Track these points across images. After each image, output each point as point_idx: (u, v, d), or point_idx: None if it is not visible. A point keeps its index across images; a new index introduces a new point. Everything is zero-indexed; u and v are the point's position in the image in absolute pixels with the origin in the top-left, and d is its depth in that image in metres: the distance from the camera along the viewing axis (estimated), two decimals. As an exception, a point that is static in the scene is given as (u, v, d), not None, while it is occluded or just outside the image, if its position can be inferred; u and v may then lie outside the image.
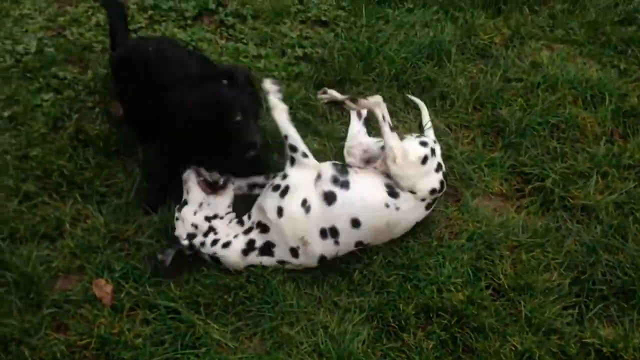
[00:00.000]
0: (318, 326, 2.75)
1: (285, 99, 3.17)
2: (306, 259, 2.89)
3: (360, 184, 2.94)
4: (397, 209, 2.92)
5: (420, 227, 3.10)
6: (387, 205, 2.91)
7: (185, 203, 3.00)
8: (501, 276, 2.91)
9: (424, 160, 2.99)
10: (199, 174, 3.03)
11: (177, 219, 2.99)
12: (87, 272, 2.90)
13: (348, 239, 2.89)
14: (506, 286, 2.88)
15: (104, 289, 2.84)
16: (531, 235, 3.08)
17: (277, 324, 2.76)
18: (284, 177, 2.96)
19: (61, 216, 3.08)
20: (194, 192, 3.00)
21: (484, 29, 4.19)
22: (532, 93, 3.77)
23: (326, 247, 2.88)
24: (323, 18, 4.34)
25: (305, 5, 4.42)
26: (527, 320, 2.77)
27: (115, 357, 2.63)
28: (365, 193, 2.91)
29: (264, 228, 2.91)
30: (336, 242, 2.88)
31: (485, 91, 3.76)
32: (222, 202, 3.03)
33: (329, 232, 2.86)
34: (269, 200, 2.92)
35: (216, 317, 2.78)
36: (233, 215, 3.05)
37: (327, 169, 2.99)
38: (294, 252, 2.87)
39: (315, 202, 2.87)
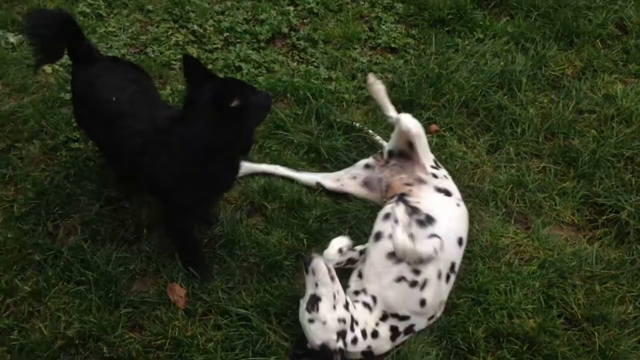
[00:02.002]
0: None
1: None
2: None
3: (431, 205, 2.95)
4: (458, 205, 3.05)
5: (488, 252, 3.10)
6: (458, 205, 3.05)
7: (318, 299, 2.62)
8: (574, 306, 2.88)
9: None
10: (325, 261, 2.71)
11: (311, 321, 2.61)
12: (162, 276, 2.99)
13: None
14: (579, 316, 2.84)
15: (178, 293, 2.92)
16: (605, 267, 3.04)
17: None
18: (417, 273, 2.72)
19: (139, 221, 3.19)
20: (325, 284, 2.65)
21: (555, 61, 4.19)
22: (606, 125, 3.74)
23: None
24: (393, 45, 4.42)
25: (376, 32, 4.50)
26: (601, 352, 2.73)
27: (188, 359, 2.69)
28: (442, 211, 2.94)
29: (402, 317, 2.73)
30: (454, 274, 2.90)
31: (557, 121, 3.76)
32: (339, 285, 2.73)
33: (451, 271, 2.86)
34: (409, 301, 2.72)
35: (286, 327, 2.82)
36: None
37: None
38: (431, 318, 2.81)
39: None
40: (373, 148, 3.59)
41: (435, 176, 3.16)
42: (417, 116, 3.72)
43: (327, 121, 3.74)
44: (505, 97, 3.95)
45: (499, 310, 2.85)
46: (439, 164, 3.32)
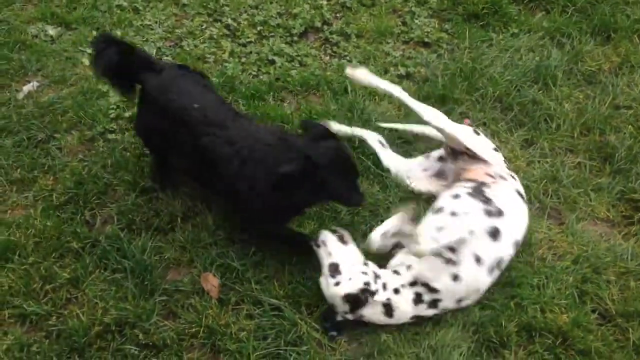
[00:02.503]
0: (420, 337, 2.76)
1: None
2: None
3: (505, 202, 2.96)
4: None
5: (521, 247, 3.07)
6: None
7: (337, 265, 2.80)
8: (608, 301, 2.85)
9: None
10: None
11: (337, 284, 2.75)
12: (196, 266, 3.04)
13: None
14: (613, 312, 2.82)
15: (211, 282, 2.97)
16: (640, 263, 3.00)
17: (377, 331, 2.79)
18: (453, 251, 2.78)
19: (174, 211, 3.24)
20: (338, 250, 2.84)
21: (591, 56, 4.14)
22: (642, 121, 3.69)
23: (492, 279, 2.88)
24: (426, 40, 4.40)
25: (409, 26, 4.49)
26: (635, 347, 2.71)
27: (222, 347, 2.73)
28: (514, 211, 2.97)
29: (432, 289, 2.78)
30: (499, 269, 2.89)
31: (593, 117, 3.71)
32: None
33: (496, 266, 2.85)
34: (442, 274, 2.77)
35: (317, 319, 2.84)
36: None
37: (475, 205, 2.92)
38: (460, 301, 2.83)
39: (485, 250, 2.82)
40: (408, 141, 3.59)
41: (514, 178, 3.14)
42: (450, 110, 3.76)
43: (363, 115, 3.75)
44: (540, 92, 3.91)
45: (531, 304, 2.83)
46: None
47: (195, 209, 3.27)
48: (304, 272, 3.01)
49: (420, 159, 3.42)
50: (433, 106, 3.77)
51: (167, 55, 4.21)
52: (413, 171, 3.36)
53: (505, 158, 3.51)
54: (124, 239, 3.08)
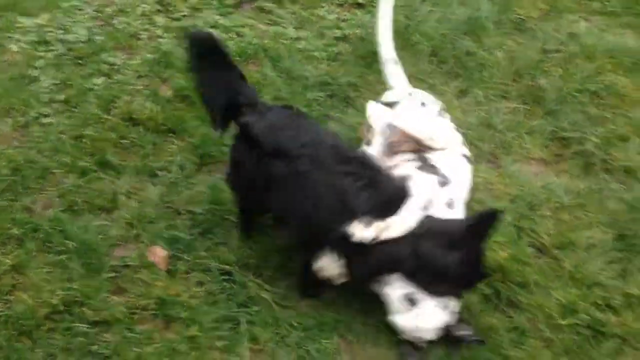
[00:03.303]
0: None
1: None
2: None
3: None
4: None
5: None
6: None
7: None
8: (544, 235, 2.96)
9: None
10: None
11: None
12: (143, 241, 3.03)
13: None
14: (549, 244, 2.93)
15: (158, 254, 2.97)
16: (573, 197, 3.12)
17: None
18: None
19: (116, 189, 3.22)
20: None
21: (520, 5, 4.24)
22: (571, 63, 3.81)
23: None
24: (360, 1, 4.44)
25: (342, -11, 4.51)
26: (570, 275, 2.81)
27: (174, 316, 2.74)
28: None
29: None
30: None
31: (524, 63, 3.82)
32: None
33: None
34: None
35: (266, 279, 2.87)
36: None
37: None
38: None
39: None
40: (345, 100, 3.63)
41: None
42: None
43: (300, 79, 3.77)
44: (473, 43, 3.99)
45: (472, 245, 2.91)
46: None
47: (139, 186, 3.26)
48: (251, 235, 3.03)
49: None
50: (370, 64, 3.87)
51: (98, 35, 4.14)
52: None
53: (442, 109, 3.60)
54: (66, 220, 3.05)
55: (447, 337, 2.63)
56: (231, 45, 4.05)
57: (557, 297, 2.74)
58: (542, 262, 2.88)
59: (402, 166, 2.86)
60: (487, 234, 2.48)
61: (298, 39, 4.18)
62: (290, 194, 2.56)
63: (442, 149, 2.89)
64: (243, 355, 2.60)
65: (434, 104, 3.09)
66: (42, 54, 4.01)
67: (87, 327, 2.68)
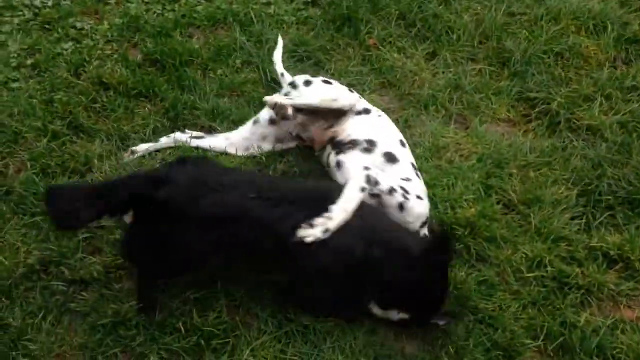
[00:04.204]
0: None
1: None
2: None
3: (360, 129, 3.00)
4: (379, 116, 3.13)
5: (430, 153, 3.23)
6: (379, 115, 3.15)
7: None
8: (511, 192, 3.06)
9: None
10: None
11: None
12: (117, 202, 3.04)
13: None
14: (516, 201, 3.03)
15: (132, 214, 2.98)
16: (539, 155, 3.23)
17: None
18: None
19: (88, 153, 3.21)
20: None
21: (487, -32, 4.27)
22: (536, 25, 3.89)
23: None
24: (329, -34, 4.41)
25: (311, -46, 4.48)
26: (536, 230, 2.93)
27: (150, 274, 2.78)
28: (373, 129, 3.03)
29: None
30: None
31: (490, 25, 3.88)
32: None
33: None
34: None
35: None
36: None
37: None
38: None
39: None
40: (315, 64, 3.67)
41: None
42: (355, 32, 3.85)
43: (270, 43, 3.78)
44: (440, 6, 4.03)
45: (442, 202, 3.00)
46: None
47: (111, 149, 3.25)
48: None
49: (249, 127, 3.22)
50: (340, 28, 3.89)
51: (65, 0, 4.08)
52: (253, 145, 3.20)
53: (411, 71, 3.67)
54: (40, 183, 3.04)
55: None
56: (200, 10, 4.04)
57: (524, 251, 2.85)
58: (509, 217, 2.98)
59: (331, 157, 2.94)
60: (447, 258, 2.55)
61: (268, 3, 4.16)
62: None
63: (351, 107, 3.00)
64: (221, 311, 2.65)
65: (316, 78, 3.22)
66: (8, 19, 3.94)
67: (65, 286, 2.71)
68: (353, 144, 2.92)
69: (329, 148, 3.01)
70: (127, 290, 2.72)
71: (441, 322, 2.59)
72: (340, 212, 2.44)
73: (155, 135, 3.32)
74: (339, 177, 2.86)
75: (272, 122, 3.15)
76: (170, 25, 3.91)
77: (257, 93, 3.56)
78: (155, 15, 4.03)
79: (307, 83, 3.19)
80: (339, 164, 2.89)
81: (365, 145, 2.90)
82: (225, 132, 3.30)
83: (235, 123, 3.37)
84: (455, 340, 2.57)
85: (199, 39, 3.91)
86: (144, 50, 3.77)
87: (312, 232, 2.39)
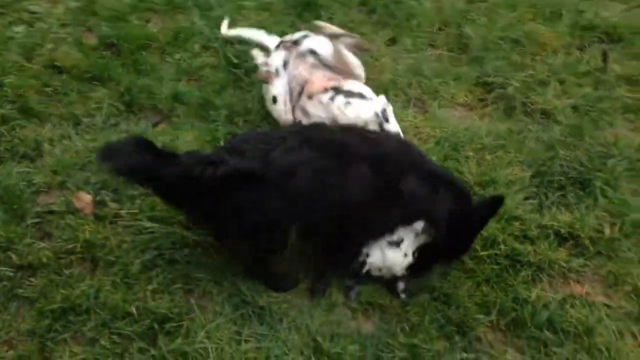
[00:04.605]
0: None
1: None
2: None
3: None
4: None
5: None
6: None
7: None
8: (467, 174, 3.07)
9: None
10: None
11: None
12: (68, 187, 2.97)
13: None
14: (472, 182, 3.04)
15: (84, 200, 2.92)
16: (494, 138, 3.25)
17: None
18: None
19: (39, 137, 3.13)
20: None
21: (446, -44, 4.29)
22: (494, 12, 3.93)
23: None
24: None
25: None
26: (491, 210, 2.94)
27: (102, 259, 2.72)
28: None
29: None
30: None
31: (450, 12, 3.92)
32: None
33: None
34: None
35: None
36: None
37: None
38: None
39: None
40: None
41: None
42: (316, 17, 3.83)
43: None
44: (401, -8, 4.05)
45: (399, 185, 2.99)
46: None
47: (62, 132, 3.18)
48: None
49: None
50: (301, 14, 3.88)
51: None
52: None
53: (372, 57, 3.67)
54: (-13, 168, 2.96)
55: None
56: (158, -5, 3.98)
57: (478, 230, 2.87)
58: (465, 199, 2.99)
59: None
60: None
61: (229, -10, 4.12)
62: None
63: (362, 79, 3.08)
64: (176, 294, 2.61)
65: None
66: (-43, 2, 3.84)
67: (12, 271, 2.63)
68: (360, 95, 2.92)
69: (332, 92, 2.95)
70: (78, 275, 2.66)
71: (402, 294, 2.62)
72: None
73: (110, 119, 3.26)
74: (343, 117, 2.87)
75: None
76: (128, 9, 3.86)
77: (215, 77, 3.52)
78: (112, -1, 3.96)
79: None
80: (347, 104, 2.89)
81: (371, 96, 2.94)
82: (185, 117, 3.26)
83: (194, 107, 3.33)
84: (411, 317, 2.57)
85: (156, 23, 3.86)
86: (99, 33, 3.71)
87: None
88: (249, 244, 2.50)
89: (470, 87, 3.55)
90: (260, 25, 3.80)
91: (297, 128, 2.84)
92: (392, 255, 2.59)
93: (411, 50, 3.73)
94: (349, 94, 2.92)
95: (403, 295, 2.67)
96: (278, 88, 3.07)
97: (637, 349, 2.56)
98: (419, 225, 2.53)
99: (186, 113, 3.32)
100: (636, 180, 3.16)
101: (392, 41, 3.82)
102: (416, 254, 2.62)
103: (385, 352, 2.47)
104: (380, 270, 2.64)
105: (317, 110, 2.94)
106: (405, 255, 2.60)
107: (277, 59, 3.12)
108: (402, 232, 2.56)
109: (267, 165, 2.35)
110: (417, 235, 2.56)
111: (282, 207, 2.37)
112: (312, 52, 3.09)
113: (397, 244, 2.57)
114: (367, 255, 2.61)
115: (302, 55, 3.07)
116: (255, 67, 3.33)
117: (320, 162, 2.40)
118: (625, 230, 2.91)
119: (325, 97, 2.93)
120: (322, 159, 2.40)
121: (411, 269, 2.65)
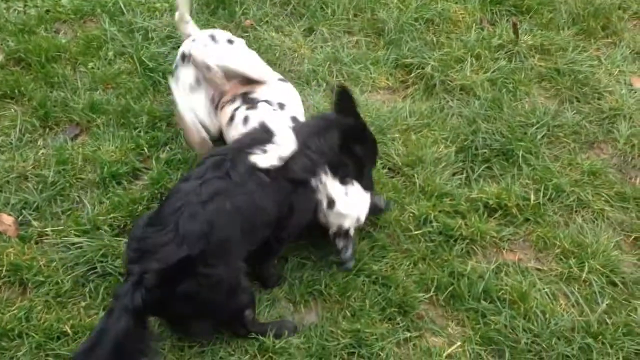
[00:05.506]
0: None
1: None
2: None
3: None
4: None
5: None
6: None
7: None
8: (395, 156, 3.11)
9: None
10: None
11: None
12: (-11, 210, 2.85)
13: None
14: (400, 164, 3.09)
15: (5, 222, 2.81)
16: (418, 118, 3.31)
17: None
18: None
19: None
20: None
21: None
22: (407, -6, 3.97)
23: None
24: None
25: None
26: (421, 189, 3.00)
27: (30, 280, 2.62)
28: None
29: None
30: None
31: (363, -2, 3.93)
32: None
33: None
34: None
35: (129, 231, 2.80)
36: None
37: None
38: None
39: None
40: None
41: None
42: (231, 14, 3.79)
43: (142, 32, 3.67)
44: (312, -18, 4.04)
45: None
46: None
47: (-22, 154, 3.05)
48: (108, 192, 2.94)
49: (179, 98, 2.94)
50: (215, 10, 3.82)
51: None
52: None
53: (290, 49, 3.66)
54: None
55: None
56: (66, 3, 3.86)
57: (411, 210, 2.92)
58: (395, 181, 3.04)
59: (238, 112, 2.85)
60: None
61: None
62: None
63: (267, 81, 2.95)
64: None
65: (238, 40, 3.13)
66: None
67: None
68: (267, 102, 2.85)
69: (239, 101, 2.88)
70: (7, 300, 2.57)
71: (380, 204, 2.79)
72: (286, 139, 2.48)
73: (25, 136, 3.14)
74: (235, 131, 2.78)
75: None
76: (34, 21, 3.73)
77: (133, 83, 3.44)
78: (16, 12, 3.82)
79: (230, 42, 3.06)
80: (246, 119, 2.79)
81: (276, 107, 2.83)
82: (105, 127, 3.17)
83: (114, 116, 3.24)
84: (352, 303, 2.59)
85: (66, 33, 3.75)
86: (5, 49, 3.56)
87: (268, 160, 2.42)
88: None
89: (390, 70, 3.58)
90: (174, 26, 3.72)
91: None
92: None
93: (328, 39, 3.74)
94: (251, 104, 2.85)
95: (349, 264, 2.70)
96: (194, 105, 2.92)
97: (571, 309, 2.67)
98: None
99: (106, 122, 3.23)
100: (556, 146, 3.28)
101: (309, 31, 3.81)
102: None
103: (330, 340, 2.49)
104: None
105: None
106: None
107: (187, 75, 2.97)
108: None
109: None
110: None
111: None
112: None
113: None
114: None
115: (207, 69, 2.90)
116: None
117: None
118: (550, 195, 3.02)
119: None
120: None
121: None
